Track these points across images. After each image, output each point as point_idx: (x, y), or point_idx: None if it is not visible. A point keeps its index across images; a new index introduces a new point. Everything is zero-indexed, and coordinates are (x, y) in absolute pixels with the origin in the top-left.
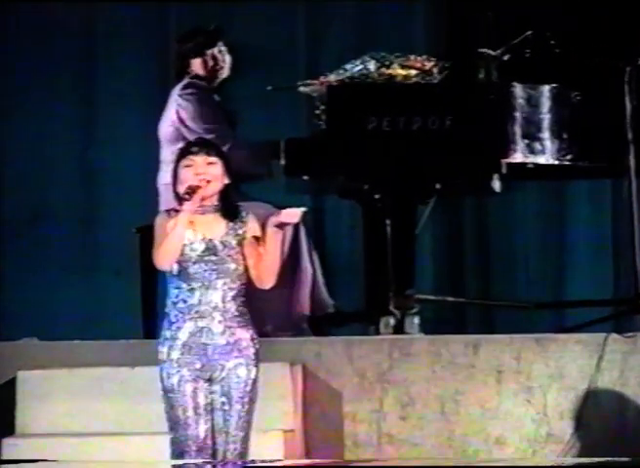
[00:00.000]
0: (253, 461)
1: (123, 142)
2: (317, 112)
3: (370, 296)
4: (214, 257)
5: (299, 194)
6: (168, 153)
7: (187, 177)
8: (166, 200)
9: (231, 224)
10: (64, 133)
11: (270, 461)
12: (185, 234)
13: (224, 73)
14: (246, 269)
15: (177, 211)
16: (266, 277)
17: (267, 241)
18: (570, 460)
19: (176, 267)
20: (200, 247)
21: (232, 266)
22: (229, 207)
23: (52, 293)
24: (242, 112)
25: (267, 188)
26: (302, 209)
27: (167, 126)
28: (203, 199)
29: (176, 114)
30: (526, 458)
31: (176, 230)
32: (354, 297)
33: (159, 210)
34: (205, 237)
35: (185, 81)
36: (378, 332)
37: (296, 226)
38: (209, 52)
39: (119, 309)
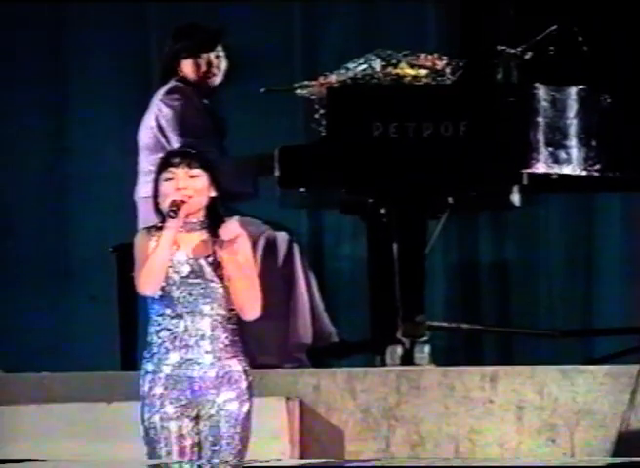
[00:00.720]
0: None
1: (98, 151)
2: (316, 117)
3: (375, 323)
4: (200, 280)
5: (294, 209)
6: (146, 163)
7: (169, 192)
8: (145, 215)
9: (216, 239)
10: (32, 141)
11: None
12: (169, 255)
13: (217, 81)
14: None
15: (159, 228)
16: (246, 306)
17: (225, 267)
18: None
19: (158, 291)
20: (184, 268)
21: (221, 290)
22: (217, 223)
23: (18, 320)
24: (231, 118)
25: (259, 203)
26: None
27: (146, 133)
28: (187, 215)
29: (155, 121)
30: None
31: (159, 251)
32: (357, 325)
33: (138, 226)
34: (190, 257)
35: (171, 84)
36: (384, 363)
37: (289, 244)
38: (204, 55)
39: (94, 338)
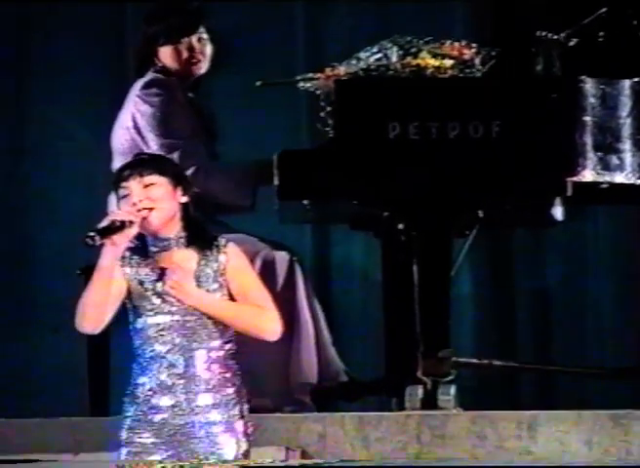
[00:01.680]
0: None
1: (62, 157)
2: (322, 115)
3: (391, 360)
4: (184, 306)
5: (296, 224)
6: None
7: (125, 215)
8: None
9: (203, 260)
10: None
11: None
12: (111, 285)
13: (202, 68)
14: None
15: (134, 253)
16: (262, 327)
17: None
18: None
19: (139, 322)
20: (156, 299)
21: (205, 319)
22: (197, 232)
23: None
24: (221, 117)
25: (254, 217)
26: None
27: (121, 134)
28: (155, 231)
29: (132, 120)
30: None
31: (90, 284)
32: (370, 361)
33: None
34: (146, 278)
35: (149, 77)
36: (402, 407)
37: (290, 266)
38: (185, 39)
39: (58, 376)
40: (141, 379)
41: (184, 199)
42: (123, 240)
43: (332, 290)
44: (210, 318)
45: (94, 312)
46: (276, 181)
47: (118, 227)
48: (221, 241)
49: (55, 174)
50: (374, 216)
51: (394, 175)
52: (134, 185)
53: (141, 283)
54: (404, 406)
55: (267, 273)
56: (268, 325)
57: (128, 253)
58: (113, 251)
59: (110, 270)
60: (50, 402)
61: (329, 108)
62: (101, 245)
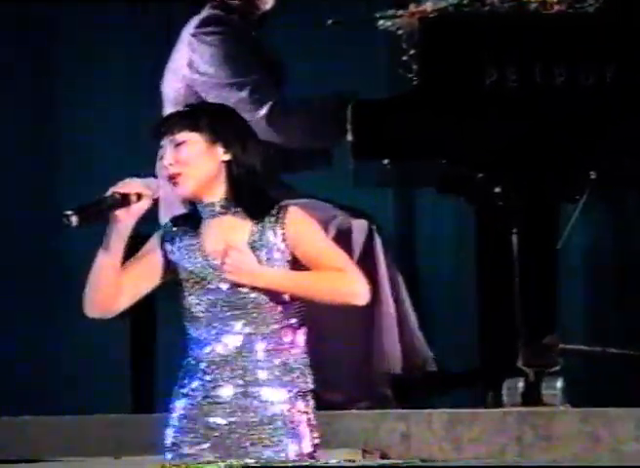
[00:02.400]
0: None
1: (98, 108)
2: (404, 59)
3: (486, 347)
4: (228, 285)
5: (375, 187)
6: None
7: (161, 174)
8: (167, 200)
9: (259, 226)
10: None
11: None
12: (118, 268)
13: (267, 4)
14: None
15: (182, 224)
16: (346, 300)
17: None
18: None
19: (187, 303)
20: (204, 272)
21: (264, 296)
22: (247, 195)
23: None
24: (288, 62)
25: (327, 178)
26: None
27: (174, 81)
28: (192, 199)
29: (187, 65)
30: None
31: (96, 264)
32: (462, 348)
33: (159, 213)
34: (209, 254)
35: (206, 13)
36: (499, 403)
37: (369, 236)
38: None
39: (95, 368)
40: (191, 369)
41: (227, 156)
42: (129, 217)
43: (417, 265)
44: (270, 297)
45: (97, 297)
46: (350, 137)
47: (116, 203)
48: (275, 207)
49: (89, 128)
50: (466, 178)
51: (490, 129)
52: (166, 145)
53: (187, 258)
54: (502, 401)
55: (342, 244)
56: (353, 287)
57: (170, 225)
58: (119, 229)
59: (115, 251)
60: (87, 397)
61: (413, 51)
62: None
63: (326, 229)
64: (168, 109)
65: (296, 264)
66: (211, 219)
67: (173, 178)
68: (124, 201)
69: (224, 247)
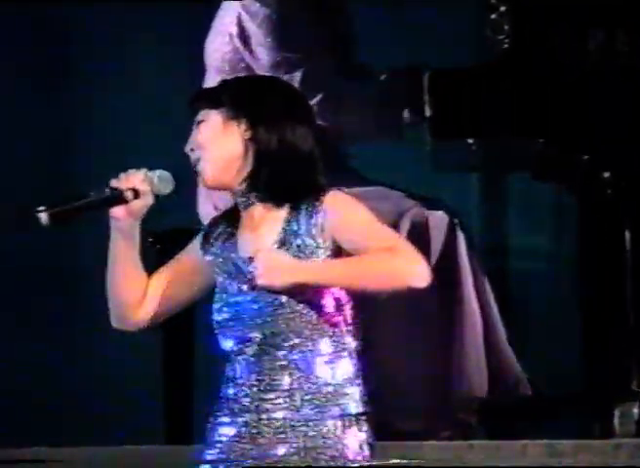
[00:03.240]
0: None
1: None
2: (493, 18)
3: (593, 366)
4: (259, 292)
5: (455, 172)
6: None
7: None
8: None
9: (293, 214)
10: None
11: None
12: (135, 273)
13: None
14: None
15: (226, 213)
16: (401, 273)
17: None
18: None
19: (218, 311)
20: (236, 274)
21: (303, 297)
22: (270, 180)
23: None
24: (358, 28)
25: (399, 162)
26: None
27: (219, 44)
28: (218, 188)
29: (237, 25)
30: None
31: (108, 272)
32: (563, 368)
33: (197, 201)
34: (241, 253)
35: None
36: (609, 433)
37: (449, 231)
38: None
39: (125, 393)
40: (228, 390)
41: (249, 134)
42: (129, 216)
43: (508, 267)
44: (313, 304)
45: (115, 309)
46: (428, 112)
47: (104, 199)
48: (319, 189)
49: (113, 101)
50: (567, 161)
51: (597, 102)
52: (195, 124)
53: (221, 260)
54: (612, 431)
55: (417, 241)
56: (409, 267)
57: (210, 222)
58: (121, 230)
59: (122, 257)
60: (112, 424)
61: (503, 8)
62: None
63: (398, 222)
64: (211, 77)
65: (340, 256)
66: (245, 211)
67: (195, 167)
68: (117, 198)
69: (252, 251)
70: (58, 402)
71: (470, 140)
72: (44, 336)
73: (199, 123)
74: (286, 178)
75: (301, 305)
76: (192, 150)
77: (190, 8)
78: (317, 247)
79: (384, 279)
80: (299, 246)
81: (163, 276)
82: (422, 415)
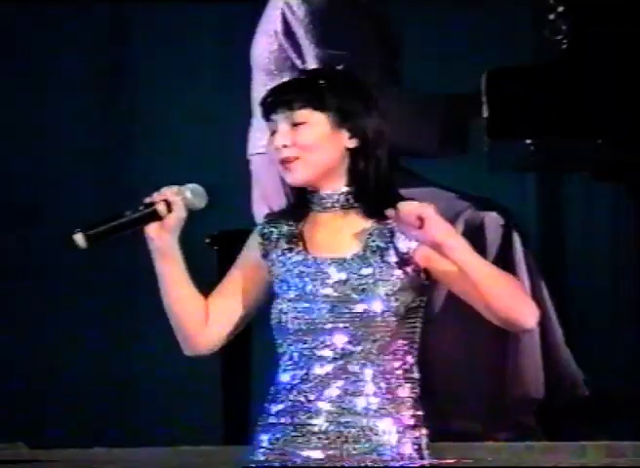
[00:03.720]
0: None
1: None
2: (551, 18)
3: None
4: (339, 293)
5: (513, 173)
6: (263, 89)
7: (272, 154)
8: (261, 184)
9: (380, 226)
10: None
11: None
12: (190, 292)
13: None
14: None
15: (288, 214)
16: (513, 317)
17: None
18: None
19: (278, 314)
20: (304, 274)
21: (384, 307)
22: (373, 191)
23: (51, 355)
24: (405, 28)
25: (454, 162)
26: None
27: (264, 43)
28: (309, 185)
29: (281, 22)
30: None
31: (163, 297)
32: (621, 368)
33: (252, 199)
34: (318, 256)
35: None
36: None
37: (505, 234)
38: None
39: (181, 392)
40: (279, 394)
41: (352, 143)
42: (164, 232)
43: (565, 269)
44: (384, 307)
45: (180, 335)
46: (485, 112)
47: (139, 217)
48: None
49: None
50: (628, 163)
51: None
52: (281, 121)
53: (285, 258)
54: None
55: (472, 243)
56: (531, 306)
57: (266, 221)
58: (159, 250)
59: (170, 278)
60: (171, 426)
61: (561, 9)
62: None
63: (452, 224)
64: (258, 78)
65: (421, 283)
66: (321, 214)
67: (287, 162)
68: (151, 214)
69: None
70: (117, 402)
71: (528, 141)
72: (102, 332)
73: (300, 124)
74: (382, 190)
75: (375, 308)
76: (286, 147)
77: (239, 7)
78: (403, 267)
79: (507, 298)
80: (381, 261)
81: (224, 292)
82: (480, 417)
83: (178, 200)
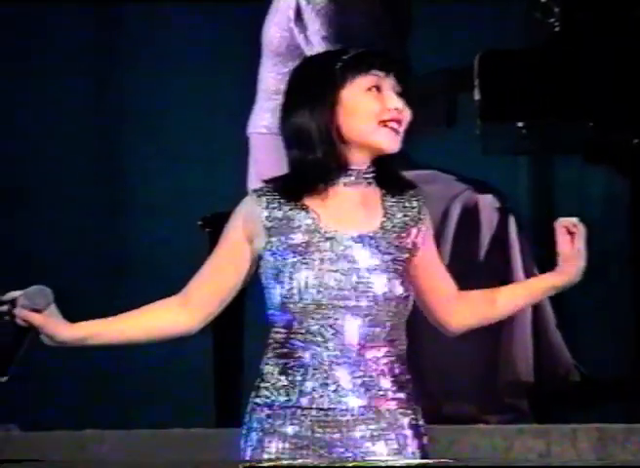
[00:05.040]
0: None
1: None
2: (543, 1)
3: None
4: (348, 266)
5: (507, 156)
6: (272, 78)
7: (372, 109)
8: (259, 163)
9: (393, 205)
10: None
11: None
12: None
13: None
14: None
15: (289, 182)
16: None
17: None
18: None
19: (276, 293)
20: (316, 248)
21: (399, 287)
22: (394, 174)
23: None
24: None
25: (448, 145)
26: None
27: (276, 31)
28: (379, 155)
29: (294, 12)
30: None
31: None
32: (612, 353)
33: (248, 178)
34: (337, 230)
35: None
36: None
37: (500, 216)
38: None
39: (173, 375)
40: (289, 375)
41: None
42: (50, 330)
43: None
44: (399, 275)
45: (169, 337)
46: (477, 95)
47: (19, 339)
48: (412, 191)
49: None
50: (619, 145)
51: None
52: (392, 84)
53: (291, 229)
54: None
55: (468, 225)
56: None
57: (266, 187)
58: (67, 338)
59: (110, 335)
60: (160, 408)
61: None
62: None
63: (449, 206)
64: (268, 62)
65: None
66: (335, 187)
67: (399, 124)
68: (21, 330)
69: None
70: (109, 384)
71: (520, 124)
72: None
73: (402, 95)
74: (398, 171)
75: (382, 287)
76: (399, 111)
77: None
78: (410, 248)
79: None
80: (392, 241)
81: (205, 274)
82: (471, 400)
83: (21, 311)
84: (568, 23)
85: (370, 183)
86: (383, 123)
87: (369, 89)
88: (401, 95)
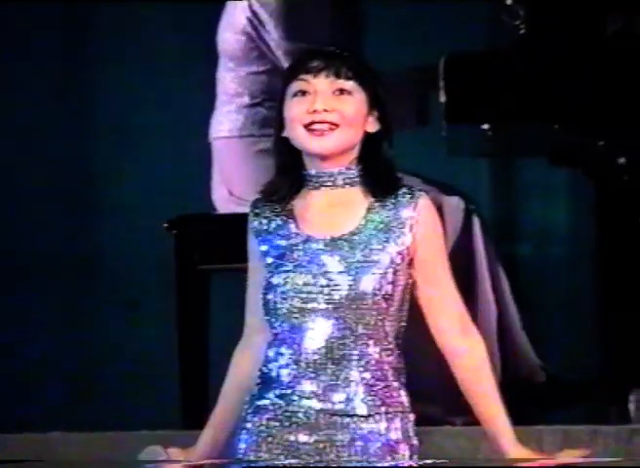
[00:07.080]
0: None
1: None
2: (508, 3)
3: (608, 351)
4: (322, 269)
5: (471, 158)
6: (230, 81)
7: (297, 116)
8: (223, 168)
9: (379, 202)
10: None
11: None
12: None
13: None
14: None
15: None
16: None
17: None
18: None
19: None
20: (293, 249)
21: (366, 288)
22: (380, 174)
23: (18, 343)
24: (372, 20)
25: (414, 147)
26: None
27: (229, 39)
28: (326, 158)
29: (249, 12)
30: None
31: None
32: (576, 354)
33: (212, 185)
34: (305, 229)
35: None
36: (624, 419)
37: (465, 218)
38: None
39: (135, 372)
40: (266, 379)
41: (374, 128)
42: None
43: (522, 253)
44: (374, 289)
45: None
46: (442, 97)
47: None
48: (405, 189)
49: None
50: (583, 147)
51: (613, 88)
52: (321, 84)
53: (277, 235)
54: (628, 417)
55: None
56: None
57: (258, 199)
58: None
59: (223, 436)
60: (127, 409)
61: None
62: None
63: None
64: (224, 64)
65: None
66: (315, 190)
67: (325, 124)
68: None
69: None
70: (75, 386)
71: (485, 126)
72: (61, 316)
73: (345, 92)
74: (387, 171)
75: (365, 290)
76: (327, 112)
77: None
78: (398, 249)
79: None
80: (378, 240)
81: (254, 305)
82: (436, 401)
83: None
84: (533, 26)
85: (350, 185)
86: (307, 127)
87: (295, 95)
88: (343, 90)
